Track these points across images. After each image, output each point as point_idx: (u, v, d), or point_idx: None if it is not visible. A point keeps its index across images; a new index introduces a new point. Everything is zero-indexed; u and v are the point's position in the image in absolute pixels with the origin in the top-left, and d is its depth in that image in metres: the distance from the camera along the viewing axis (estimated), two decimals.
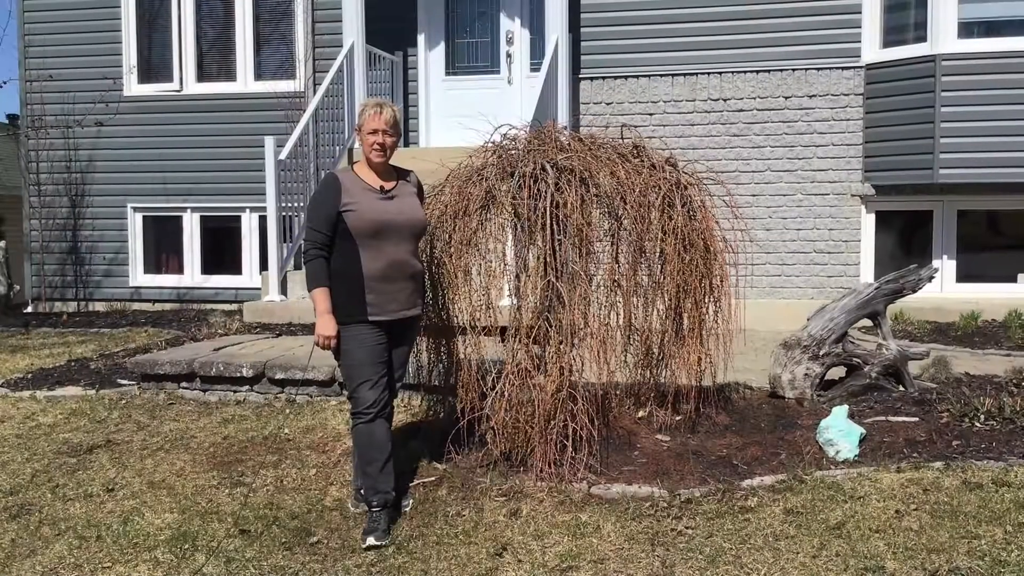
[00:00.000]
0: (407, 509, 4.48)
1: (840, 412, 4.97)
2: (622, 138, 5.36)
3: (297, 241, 8.74)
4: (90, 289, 11.48)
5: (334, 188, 4.29)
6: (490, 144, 5.16)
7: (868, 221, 9.52)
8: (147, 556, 4.15)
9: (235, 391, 6.39)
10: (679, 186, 5.14)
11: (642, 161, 5.20)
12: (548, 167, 4.81)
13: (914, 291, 5.87)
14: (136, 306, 11.25)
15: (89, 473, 5.15)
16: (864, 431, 4.93)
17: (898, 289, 5.82)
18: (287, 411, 6.05)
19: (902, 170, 9.15)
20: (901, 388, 5.74)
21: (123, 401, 6.42)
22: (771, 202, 9.59)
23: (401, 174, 4.51)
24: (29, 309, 11.53)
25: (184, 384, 6.52)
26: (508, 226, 4.94)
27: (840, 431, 4.83)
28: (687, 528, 4.13)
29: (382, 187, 4.36)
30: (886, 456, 4.76)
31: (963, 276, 9.40)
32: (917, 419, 5.22)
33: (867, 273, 9.47)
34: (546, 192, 4.74)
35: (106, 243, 11.41)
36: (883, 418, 5.26)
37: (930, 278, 5.87)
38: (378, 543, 4.13)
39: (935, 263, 9.11)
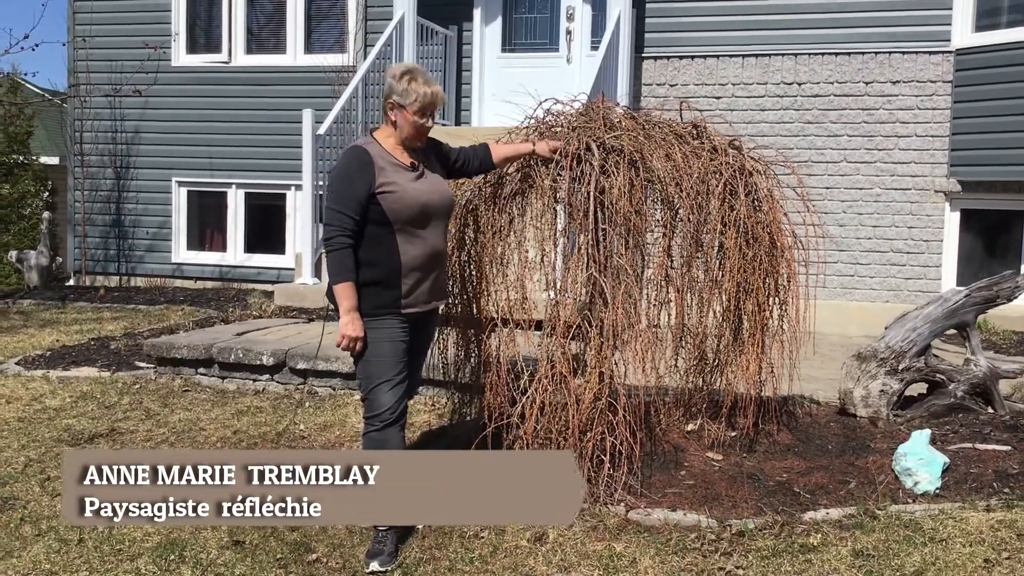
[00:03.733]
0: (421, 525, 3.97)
1: (920, 437, 4.34)
2: (680, 118, 4.78)
3: None
4: (132, 264, 11.21)
5: (367, 164, 3.69)
6: (532, 121, 4.61)
7: (952, 220, 8.75)
8: (128, 566, 3.73)
9: (255, 380, 5.97)
10: (743, 172, 4.52)
11: (702, 143, 4.60)
12: (594, 147, 4.24)
13: (1009, 300, 5.19)
14: (178, 283, 10.95)
15: None
16: (947, 460, 4.29)
17: (991, 297, 5.14)
18: (307, 404, 5.61)
19: (992, 165, 8.36)
20: (990, 410, 5.06)
21: (136, 386, 6.04)
22: (846, 196, 8.87)
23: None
24: (71, 282, 11.30)
25: (202, 370, 6.11)
26: (548, 212, 4.40)
27: (920, 459, 4.20)
28: (737, 568, 3.56)
29: (413, 163, 3.83)
30: (973, 491, 4.13)
31: None
32: (1009, 447, 4.55)
33: (948, 277, 8.70)
34: (590, 175, 4.18)
35: (149, 217, 11.12)
36: (969, 445, 4.59)
37: None
38: (382, 569, 3.63)
39: None
